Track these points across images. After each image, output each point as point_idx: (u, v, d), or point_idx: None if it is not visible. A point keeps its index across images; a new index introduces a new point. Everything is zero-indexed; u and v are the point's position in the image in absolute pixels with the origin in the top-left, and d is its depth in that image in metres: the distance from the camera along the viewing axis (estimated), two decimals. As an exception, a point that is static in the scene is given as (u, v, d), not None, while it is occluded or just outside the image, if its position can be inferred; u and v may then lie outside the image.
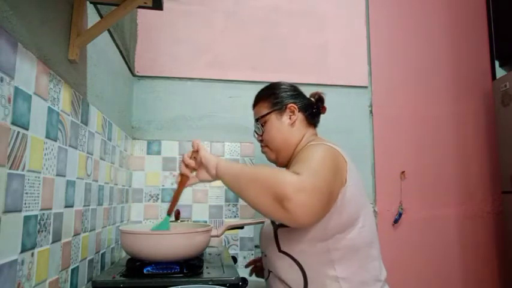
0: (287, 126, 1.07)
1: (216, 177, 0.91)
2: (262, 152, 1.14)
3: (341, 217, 0.88)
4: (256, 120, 1.13)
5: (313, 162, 0.85)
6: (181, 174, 0.96)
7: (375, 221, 0.98)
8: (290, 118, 1.07)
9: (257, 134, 1.13)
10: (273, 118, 1.08)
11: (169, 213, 1.02)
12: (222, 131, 1.80)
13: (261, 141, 1.13)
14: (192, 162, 0.94)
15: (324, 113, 1.14)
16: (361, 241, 0.92)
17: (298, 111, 1.08)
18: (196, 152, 0.94)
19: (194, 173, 0.96)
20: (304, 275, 0.90)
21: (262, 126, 1.10)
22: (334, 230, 0.89)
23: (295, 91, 1.12)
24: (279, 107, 1.08)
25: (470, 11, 2.16)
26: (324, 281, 0.89)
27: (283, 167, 1.12)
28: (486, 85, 2.10)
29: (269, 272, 1.00)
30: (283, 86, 1.12)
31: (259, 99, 1.14)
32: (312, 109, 1.11)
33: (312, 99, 1.13)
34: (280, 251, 0.94)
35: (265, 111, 1.09)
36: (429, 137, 2.00)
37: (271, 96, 1.10)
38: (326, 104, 1.14)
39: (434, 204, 1.95)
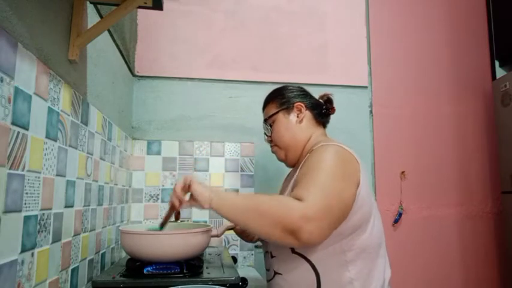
0: (294, 123, 1.09)
1: (210, 209, 0.86)
2: (272, 152, 1.16)
3: (356, 217, 0.88)
4: (265, 121, 1.15)
5: (320, 177, 0.84)
6: (172, 204, 0.90)
7: (381, 219, 0.99)
8: (298, 116, 1.10)
9: (266, 135, 1.16)
10: (281, 117, 1.11)
11: (161, 227, 1.01)
12: (222, 131, 1.80)
13: (270, 141, 1.15)
14: (181, 195, 0.88)
15: (333, 113, 1.17)
16: (372, 241, 0.92)
17: (306, 110, 1.10)
18: (189, 186, 0.87)
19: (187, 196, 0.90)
20: (318, 277, 0.89)
21: (271, 126, 1.12)
22: (350, 230, 0.89)
23: (302, 91, 1.15)
24: (286, 106, 1.11)
25: (470, 11, 2.16)
26: (338, 282, 0.89)
27: (292, 166, 1.13)
28: (486, 85, 2.10)
29: (274, 273, 0.99)
30: (290, 87, 1.16)
31: (267, 101, 1.17)
32: (321, 109, 1.13)
33: (321, 100, 1.16)
34: (294, 252, 0.92)
35: (273, 111, 1.12)
36: (429, 137, 2.00)
37: (279, 97, 1.13)
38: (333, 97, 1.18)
39: (434, 204, 1.95)
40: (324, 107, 1.14)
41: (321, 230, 0.78)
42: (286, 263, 0.95)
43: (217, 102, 1.82)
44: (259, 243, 1.30)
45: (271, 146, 1.16)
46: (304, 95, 1.14)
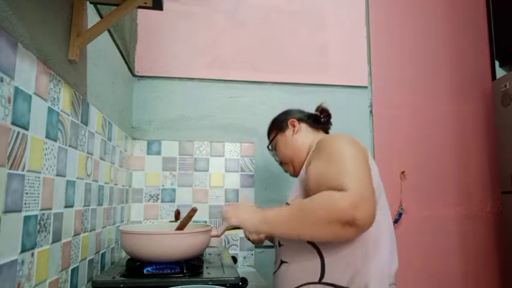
0: (291, 137, 1.17)
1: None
2: (285, 171, 1.24)
3: None
4: (269, 148, 1.27)
5: (346, 162, 0.86)
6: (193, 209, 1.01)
7: (389, 209, 1.00)
8: (293, 130, 1.17)
9: (276, 160, 1.27)
10: (279, 138, 1.21)
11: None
12: (222, 131, 1.80)
13: (280, 163, 1.25)
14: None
15: (330, 118, 1.23)
16: (380, 229, 0.92)
17: (299, 123, 1.18)
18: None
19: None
20: (322, 262, 0.90)
21: (275, 149, 1.23)
22: None
23: (294, 110, 1.24)
24: (280, 127, 1.21)
25: (470, 11, 2.16)
26: (342, 267, 0.89)
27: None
28: (486, 85, 2.10)
29: (281, 262, 0.99)
30: (284, 111, 1.25)
31: (268, 133, 1.28)
32: (317, 118, 1.20)
33: (317, 113, 1.22)
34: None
35: (272, 137, 1.25)
36: (429, 137, 2.00)
37: (274, 124, 1.25)
38: (326, 104, 1.24)
39: (434, 204, 1.95)
40: (322, 116, 1.20)
41: (370, 212, 0.79)
42: (292, 250, 0.96)
43: (217, 102, 1.82)
44: (268, 242, 1.32)
45: (282, 167, 1.24)
46: (297, 112, 1.23)
